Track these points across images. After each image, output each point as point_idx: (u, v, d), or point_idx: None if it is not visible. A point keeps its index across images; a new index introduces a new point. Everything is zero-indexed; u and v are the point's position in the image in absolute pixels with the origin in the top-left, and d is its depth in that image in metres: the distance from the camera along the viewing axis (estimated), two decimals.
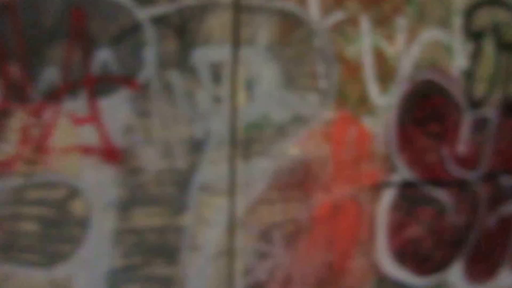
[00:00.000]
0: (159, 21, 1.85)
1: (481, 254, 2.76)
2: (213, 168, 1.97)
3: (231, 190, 2.01)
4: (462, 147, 2.51)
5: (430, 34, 2.31)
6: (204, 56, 1.92)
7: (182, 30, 1.89)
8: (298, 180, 2.09)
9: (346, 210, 2.19)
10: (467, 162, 2.56)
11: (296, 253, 2.13)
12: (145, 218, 1.90)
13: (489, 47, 2.54)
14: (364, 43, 2.14)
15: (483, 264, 2.80)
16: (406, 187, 2.34)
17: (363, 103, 2.17)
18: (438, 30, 2.33)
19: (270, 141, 2.03)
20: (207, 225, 2.00)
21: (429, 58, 2.33)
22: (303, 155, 2.08)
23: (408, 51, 2.25)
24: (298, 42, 2.05)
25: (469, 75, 2.48)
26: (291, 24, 2.03)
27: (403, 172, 2.32)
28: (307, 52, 2.06)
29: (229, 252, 2.03)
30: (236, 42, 1.96)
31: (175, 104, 1.90)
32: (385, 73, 2.21)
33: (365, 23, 2.14)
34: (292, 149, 2.07)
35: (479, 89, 2.54)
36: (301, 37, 2.05)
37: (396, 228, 2.35)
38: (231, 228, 2.02)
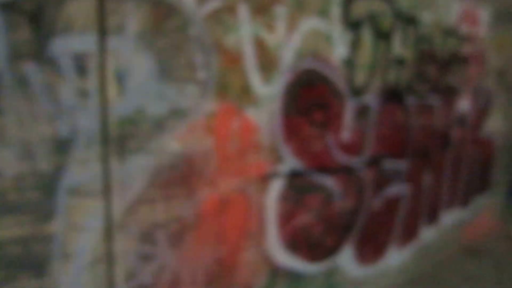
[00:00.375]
0: (8, 7, 1.62)
1: (369, 237, 2.90)
2: (83, 169, 1.80)
3: (106, 191, 1.85)
4: (346, 134, 2.60)
5: (310, 23, 2.33)
6: (65, 46, 1.73)
7: (37, 18, 1.68)
8: (180, 176, 1.99)
9: (234, 204, 2.14)
10: (351, 148, 2.65)
11: (183, 252, 2.04)
12: (4, 229, 1.68)
13: (367, 36, 2.65)
14: (244, 32, 2.09)
15: (371, 245, 2.94)
16: (293, 176, 2.36)
17: (245, 93, 2.13)
18: (317, 20, 2.37)
19: (147, 137, 1.90)
20: (80, 231, 1.82)
21: (310, 47, 2.35)
22: (184, 150, 1.99)
23: (289, 40, 2.25)
24: (173, 31, 1.94)
25: (349, 63, 2.56)
26: (164, 12, 1.91)
27: (290, 162, 2.33)
28: (183, 42, 1.96)
29: (108, 258, 1.88)
30: (102, 31, 1.79)
31: (33, 100, 1.69)
32: (267, 63, 2.19)
33: (243, 12, 2.09)
34: (172, 143, 1.97)
35: (360, 77, 2.64)
36: (175, 26, 1.94)
37: (286, 218, 2.36)
38: (108, 232, 1.87)
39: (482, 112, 3.95)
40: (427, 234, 3.48)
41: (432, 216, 3.52)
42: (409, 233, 3.28)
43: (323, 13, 2.39)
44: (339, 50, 2.49)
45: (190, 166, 2.01)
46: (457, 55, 3.48)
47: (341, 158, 2.58)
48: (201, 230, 2.08)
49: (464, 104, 3.65)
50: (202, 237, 2.08)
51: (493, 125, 4.19)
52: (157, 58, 1.91)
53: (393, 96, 2.88)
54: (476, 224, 4.15)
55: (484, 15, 3.81)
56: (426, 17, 3.09)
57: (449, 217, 3.73)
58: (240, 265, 2.22)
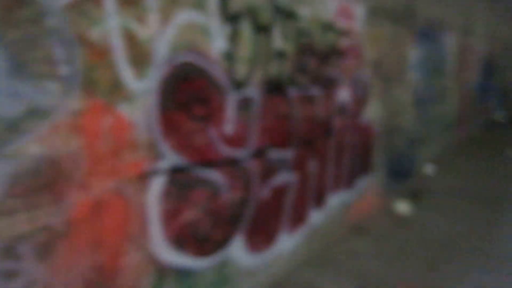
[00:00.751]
0: None
1: (259, 226, 2.97)
2: None
3: None
4: (229, 127, 2.61)
5: (185, 16, 2.28)
6: None
7: None
8: (45, 182, 1.82)
9: (110, 206, 2.02)
10: (235, 141, 2.67)
11: (55, 263, 1.87)
12: None
13: (246, 29, 2.68)
14: (111, 24, 1.97)
15: (262, 234, 3.02)
16: (176, 172, 2.30)
17: (116, 89, 2.01)
18: (193, 12, 2.32)
19: (1, 141, 1.70)
20: None
21: (186, 40, 2.31)
22: (47, 153, 1.82)
23: (163, 33, 2.18)
24: (26, 22, 1.75)
25: (229, 57, 2.57)
26: (14, 2, 1.72)
27: (171, 158, 2.27)
28: (39, 34, 1.78)
29: None
30: None
31: None
32: (139, 56, 2.09)
33: (109, 3, 1.96)
34: (32, 147, 1.78)
35: (241, 70, 2.67)
36: (30, 17, 1.75)
37: (171, 215, 2.30)
38: None
39: (360, 100, 4.27)
40: (316, 217, 3.68)
41: (320, 200, 3.73)
42: (299, 218, 3.44)
43: (199, 6, 2.36)
44: (217, 44, 2.48)
45: (56, 170, 1.85)
46: (335, 48, 3.70)
47: (226, 151, 2.59)
48: (74, 237, 1.93)
49: (343, 94, 3.91)
50: (76, 245, 1.93)
51: (371, 112, 4.56)
52: (8, 52, 1.71)
53: (275, 88, 2.96)
54: (360, 204, 4.51)
55: (359, 11, 4.10)
56: (305, 12, 3.22)
57: (336, 200, 3.99)
58: (122, 269, 2.11)
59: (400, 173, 5.59)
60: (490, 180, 6.09)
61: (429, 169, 6.50)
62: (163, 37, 2.18)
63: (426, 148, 6.72)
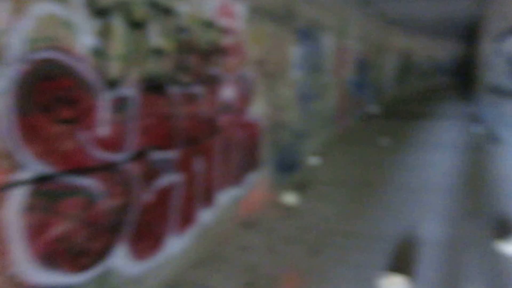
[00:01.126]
0: None
1: (144, 231, 2.83)
2: None
3: None
4: (103, 129, 2.43)
5: (44, 8, 2.05)
6: None
7: None
8: None
9: None
10: (111, 144, 2.50)
11: None
12: None
13: (118, 25, 2.51)
14: None
15: (147, 239, 2.89)
16: (40, 182, 2.06)
17: None
18: (54, 4, 2.10)
19: None
20: None
21: (47, 35, 2.07)
22: None
23: (16, 26, 1.93)
24: None
25: (99, 54, 2.38)
26: None
27: (34, 167, 2.02)
28: None
29: None
30: None
31: None
32: None
33: None
34: None
35: (114, 68, 2.50)
36: None
37: (37, 230, 2.06)
38: None
39: (245, 98, 4.35)
40: (205, 216, 3.66)
41: (208, 199, 3.71)
42: (187, 219, 3.38)
43: None
44: (85, 39, 2.28)
45: None
46: (217, 46, 3.70)
47: (100, 155, 2.41)
48: None
49: (228, 92, 3.93)
50: None
51: (257, 109, 4.68)
52: None
53: (154, 87, 2.84)
54: (250, 199, 4.61)
55: (240, 9, 4.16)
56: (183, 9, 3.15)
57: (225, 197, 4.01)
58: None
59: (287, 166, 5.86)
60: (365, 167, 6.72)
61: (313, 160, 6.93)
62: (16, 31, 1.93)
63: (310, 141, 7.16)
